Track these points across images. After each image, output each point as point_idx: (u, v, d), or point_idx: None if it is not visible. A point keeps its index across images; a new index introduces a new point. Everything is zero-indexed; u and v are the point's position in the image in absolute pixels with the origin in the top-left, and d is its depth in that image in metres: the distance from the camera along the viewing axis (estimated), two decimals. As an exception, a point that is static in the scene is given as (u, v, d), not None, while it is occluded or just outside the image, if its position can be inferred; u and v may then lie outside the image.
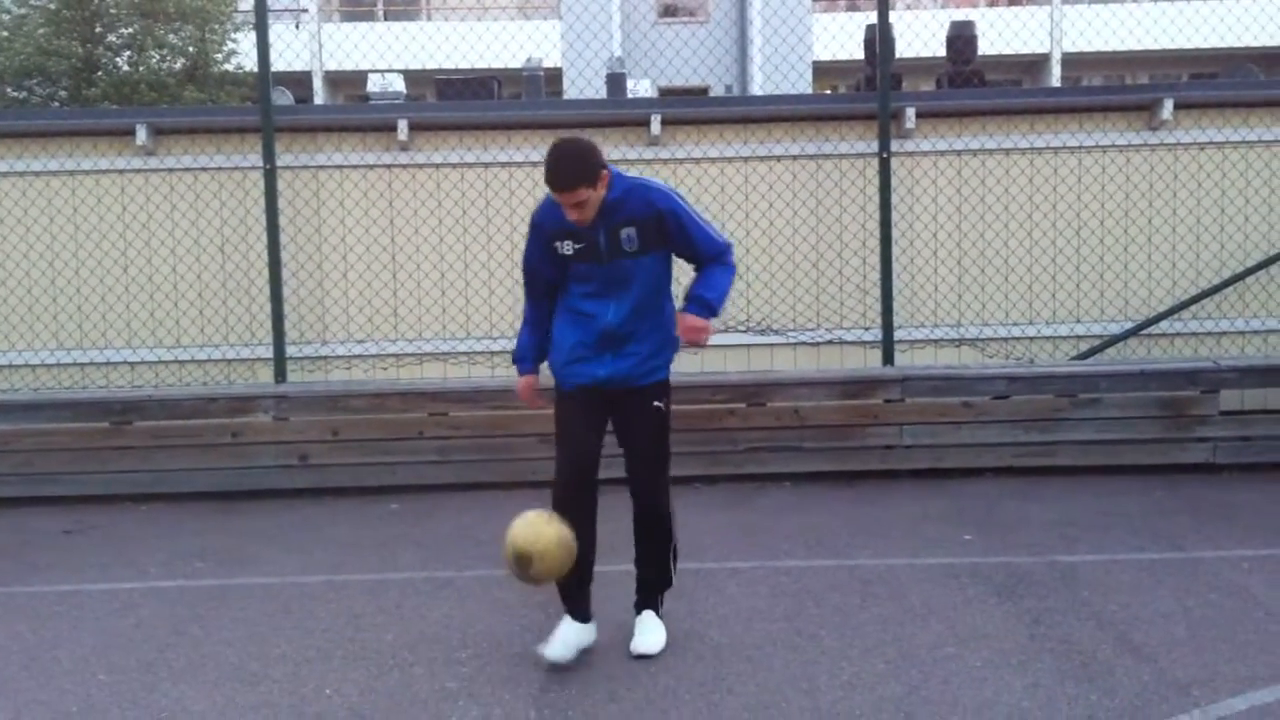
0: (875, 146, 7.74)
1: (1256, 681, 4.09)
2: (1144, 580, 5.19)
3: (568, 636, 4.37)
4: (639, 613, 4.60)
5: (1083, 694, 4.01)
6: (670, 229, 4.30)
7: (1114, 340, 8.08)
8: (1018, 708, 3.91)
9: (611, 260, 4.29)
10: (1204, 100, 8.15)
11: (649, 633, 4.52)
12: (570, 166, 4.12)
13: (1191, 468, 7.22)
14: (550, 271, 4.42)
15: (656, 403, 4.47)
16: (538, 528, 4.13)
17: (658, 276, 4.39)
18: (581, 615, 4.45)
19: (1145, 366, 7.42)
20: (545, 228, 4.35)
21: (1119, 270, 8.19)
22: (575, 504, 4.31)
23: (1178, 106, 8.02)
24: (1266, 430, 7.28)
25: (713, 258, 4.39)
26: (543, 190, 4.39)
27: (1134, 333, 8.09)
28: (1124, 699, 3.96)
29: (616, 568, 4.77)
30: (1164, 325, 8.12)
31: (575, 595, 4.44)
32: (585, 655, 4.43)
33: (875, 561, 5.59)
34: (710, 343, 7.70)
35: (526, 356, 4.57)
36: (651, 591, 4.62)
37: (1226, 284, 8.06)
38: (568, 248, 4.31)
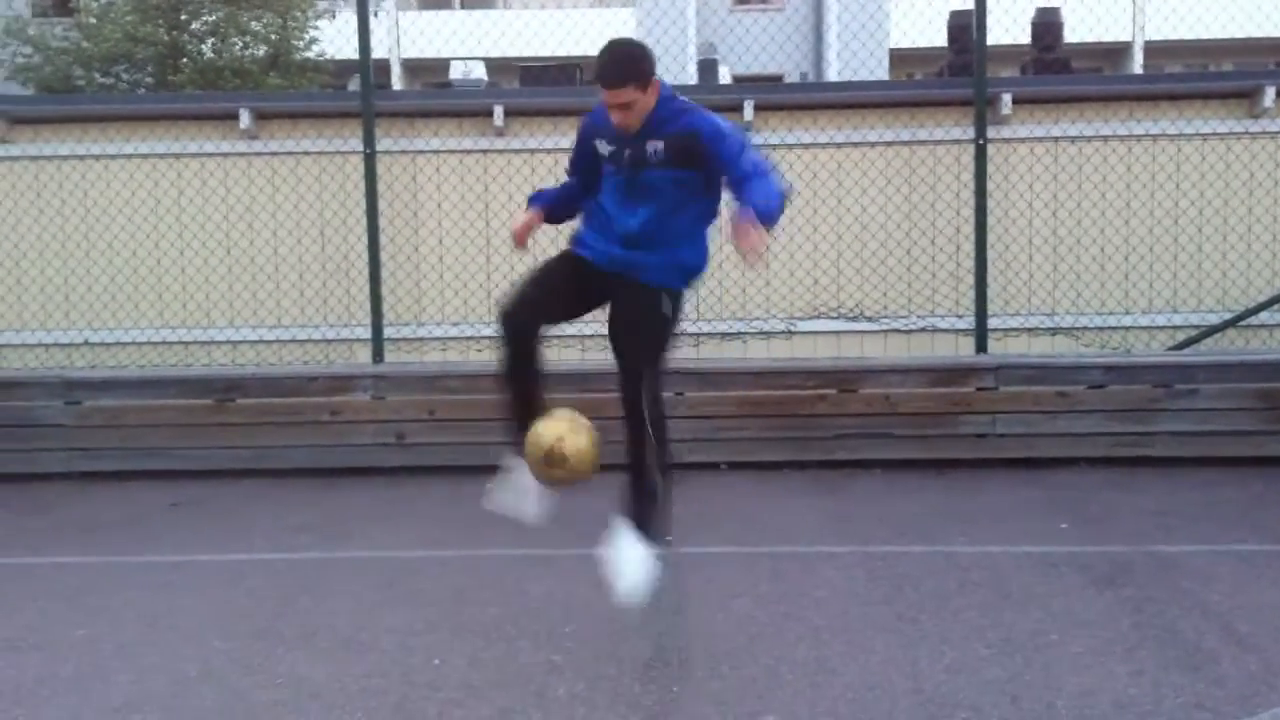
0: (970, 133, 7.69)
1: (1368, 674, 4.04)
2: (1245, 571, 5.13)
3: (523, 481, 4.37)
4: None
5: (1189, 683, 3.98)
6: (703, 151, 4.08)
7: (1211, 331, 7.96)
8: (1124, 694, 3.90)
9: (636, 168, 4.15)
10: (1308, 88, 8.01)
11: (616, 542, 4.25)
12: (621, 63, 4.01)
13: (1291, 461, 7.11)
14: (587, 175, 4.39)
15: (664, 298, 4.25)
16: (572, 429, 4.24)
17: (683, 196, 4.20)
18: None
19: (1244, 357, 7.33)
20: (594, 127, 4.29)
21: (1217, 260, 8.07)
22: (517, 344, 4.31)
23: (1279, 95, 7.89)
24: (1369, 424, 7.14)
25: (748, 173, 4.03)
26: None
27: (1232, 323, 7.97)
28: (1231, 688, 3.93)
29: (709, 550, 4.78)
30: (1263, 316, 7.98)
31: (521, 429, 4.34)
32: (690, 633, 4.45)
33: (971, 549, 5.59)
34: (800, 328, 7.88)
35: (541, 198, 4.49)
36: (633, 499, 4.32)
37: (1329, 275, 7.93)
38: (604, 147, 4.24)
